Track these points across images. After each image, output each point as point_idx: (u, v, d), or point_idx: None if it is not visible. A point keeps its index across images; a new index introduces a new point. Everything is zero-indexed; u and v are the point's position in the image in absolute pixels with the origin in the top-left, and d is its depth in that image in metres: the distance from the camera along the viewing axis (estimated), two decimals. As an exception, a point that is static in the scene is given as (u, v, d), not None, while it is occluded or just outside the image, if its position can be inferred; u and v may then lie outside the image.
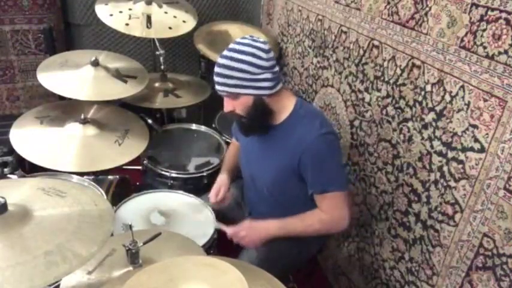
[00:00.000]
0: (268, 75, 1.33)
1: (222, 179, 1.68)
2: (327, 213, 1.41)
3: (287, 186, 1.47)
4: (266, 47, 1.33)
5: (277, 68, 1.37)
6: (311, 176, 1.39)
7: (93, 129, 1.79)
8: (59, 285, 1.12)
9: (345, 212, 1.42)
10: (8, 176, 1.65)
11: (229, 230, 1.48)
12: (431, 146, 1.38)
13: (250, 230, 1.45)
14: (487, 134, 1.16)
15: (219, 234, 1.55)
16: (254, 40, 1.34)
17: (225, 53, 1.33)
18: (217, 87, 1.36)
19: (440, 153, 1.34)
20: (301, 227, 1.44)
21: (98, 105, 1.97)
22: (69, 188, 1.10)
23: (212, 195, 1.64)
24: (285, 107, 1.42)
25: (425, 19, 1.37)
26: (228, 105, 1.39)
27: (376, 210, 1.71)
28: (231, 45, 1.34)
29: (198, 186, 1.91)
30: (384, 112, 1.61)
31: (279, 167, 1.43)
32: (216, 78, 1.34)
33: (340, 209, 1.41)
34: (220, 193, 1.63)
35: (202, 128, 2.29)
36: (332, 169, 1.39)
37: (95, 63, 1.92)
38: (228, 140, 2.16)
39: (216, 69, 1.34)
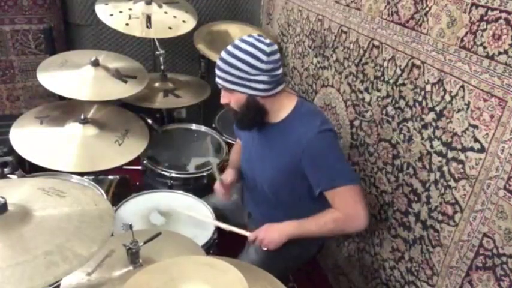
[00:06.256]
0: (264, 78, 1.32)
1: (229, 172, 1.72)
2: (340, 210, 1.37)
3: (288, 184, 1.46)
4: (269, 49, 1.31)
5: (278, 72, 1.35)
6: (316, 174, 1.38)
7: (93, 129, 1.79)
8: (59, 286, 1.12)
9: (359, 207, 1.36)
10: (8, 176, 1.65)
11: (248, 234, 1.49)
12: (431, 146, 1.38)
13: (268, 232, 1.45)
14: (487, 134, 1.16)
15: (219, 234, 1.55)
16: (258, 40, 1.32)
17: (228, 47, 1.35)
18: (216, 79, 1.39)
19: (440, 153, 1.34)
20: (316, 227, 1.41)
21: (98, 105, 1.97)
22: (69, 188, 1.10)
23: (218, 187, 1.67)
24: (285, 106, 1.42)
25: (425, 19, 1.37)
26: (224, 98, 1.41)
27: (376, 210, 1.71)
28: (235, 41, 1.35)
29: (198, 186, 1.92)
30: (384, 112, 1.61)
31: (279, 165, 1.43)
32: (216, 70, 1.37)
33: (354, 205, 1.36)
34: (227, 183, 1.67)
35: (202, 128, 2.29)
36: (336, 163, 1.38)
37: (95, 63, 1.92)
38: (228, 140, 2.17)
39: (217, 61, 1.37)
